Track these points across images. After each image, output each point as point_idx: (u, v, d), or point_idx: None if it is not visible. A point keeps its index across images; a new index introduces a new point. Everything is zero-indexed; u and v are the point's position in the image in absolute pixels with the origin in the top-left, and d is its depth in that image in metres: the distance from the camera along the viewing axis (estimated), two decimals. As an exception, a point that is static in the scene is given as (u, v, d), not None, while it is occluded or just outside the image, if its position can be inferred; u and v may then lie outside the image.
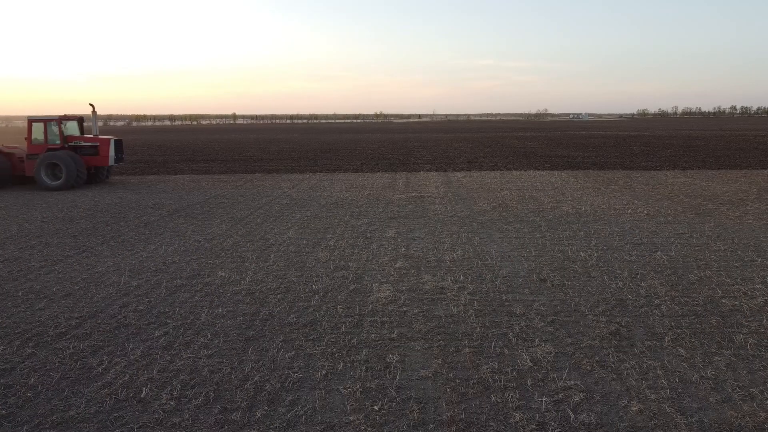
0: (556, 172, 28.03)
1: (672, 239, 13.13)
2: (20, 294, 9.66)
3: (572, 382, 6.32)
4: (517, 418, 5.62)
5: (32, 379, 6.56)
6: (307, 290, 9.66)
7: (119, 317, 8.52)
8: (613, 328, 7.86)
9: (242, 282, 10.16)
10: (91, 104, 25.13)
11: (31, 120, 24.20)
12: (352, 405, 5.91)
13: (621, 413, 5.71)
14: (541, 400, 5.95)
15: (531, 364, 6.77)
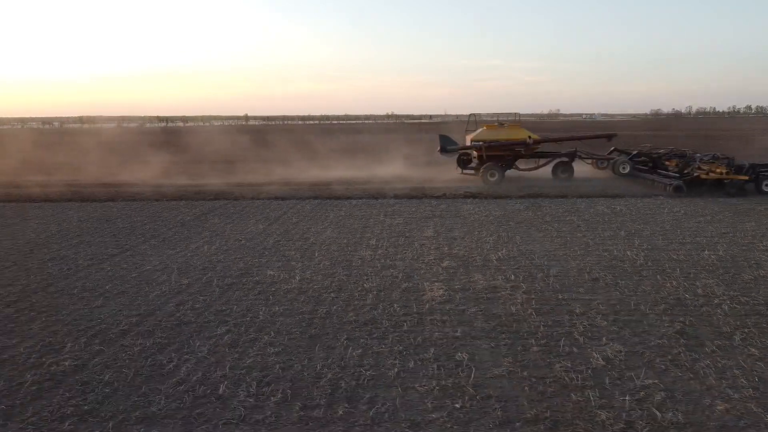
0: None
1: (716, 238, 12.99)
2: (75, 291, 9.73)
3: (650, 381, 6.26)
4: (603, 416, 5.57)
5: (107, 376, 6.59)
6: (360, 289, 9.65)
7: (178, 315, 8.56)
8: (678, 327, 7.78)
9: (292, 281, 10.17)
10: None
11: None
12: (432, 403, 5.89)
13: (707, 412, 5.64)
14: (624, 399, 5.89)
15: (604, 363, 6.72)
